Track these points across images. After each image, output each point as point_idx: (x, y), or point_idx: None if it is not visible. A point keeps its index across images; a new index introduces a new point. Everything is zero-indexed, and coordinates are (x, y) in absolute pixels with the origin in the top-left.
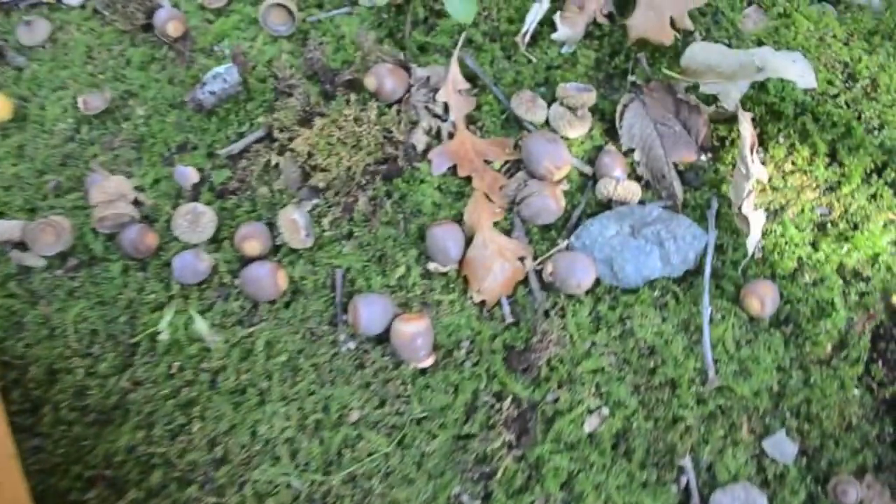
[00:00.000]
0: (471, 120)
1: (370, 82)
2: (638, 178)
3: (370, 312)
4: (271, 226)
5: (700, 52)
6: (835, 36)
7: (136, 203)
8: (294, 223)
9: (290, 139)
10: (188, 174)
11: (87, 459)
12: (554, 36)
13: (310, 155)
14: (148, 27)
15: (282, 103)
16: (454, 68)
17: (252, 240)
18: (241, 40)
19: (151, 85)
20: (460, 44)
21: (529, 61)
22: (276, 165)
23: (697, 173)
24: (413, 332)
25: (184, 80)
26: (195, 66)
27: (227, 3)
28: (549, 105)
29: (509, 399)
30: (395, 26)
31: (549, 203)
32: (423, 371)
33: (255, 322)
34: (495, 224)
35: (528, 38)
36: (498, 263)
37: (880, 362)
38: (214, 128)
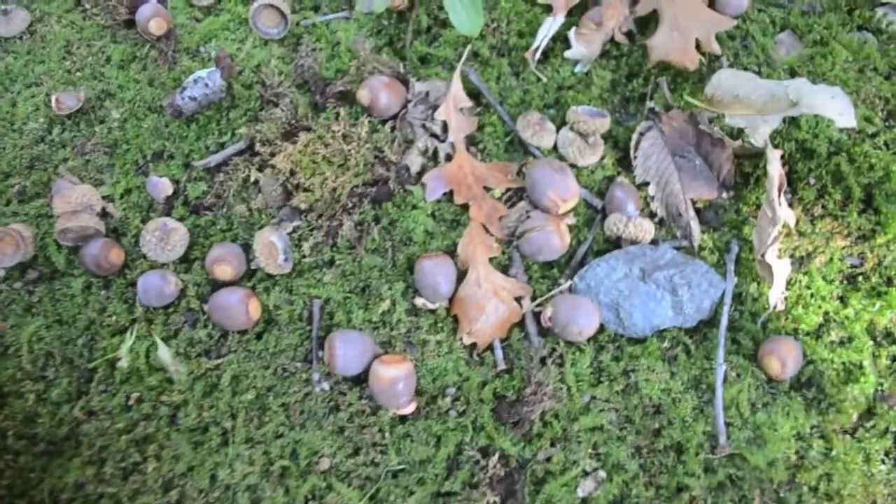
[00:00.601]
0: (471, 141)
1: (363, 96)
2: (651, 215)
3: (348, 351)
4: (247, 247)
5: (727, 80)
6: (875, 69)
7: (104, 214)
8: (272, 246)
9: (273, 154)
10: (162, 185)
11: (33, 494)
12: (567, 53)
13: (292, 173)
14: (131, 23)
15: (266, 114)
16: (456, 84)
17: (224, 263)
18: (230, 42)
19: (130, 85)
20: (464, 57)
21: (539, 80)
22: (256, 182)
23: (717, 212)
24: (393, 376)
25: (165, 83)
26: (178, 67)
27: (216, 0)
28: (558, 129)
29: (496, 456)
30: (395, 34)
31: (552, 239)
32: (403, 419)
33: (223, 353)
34: (492, 259)
35: (538, 54)
36: (492, 303)
37: None
38: (193, 136)
